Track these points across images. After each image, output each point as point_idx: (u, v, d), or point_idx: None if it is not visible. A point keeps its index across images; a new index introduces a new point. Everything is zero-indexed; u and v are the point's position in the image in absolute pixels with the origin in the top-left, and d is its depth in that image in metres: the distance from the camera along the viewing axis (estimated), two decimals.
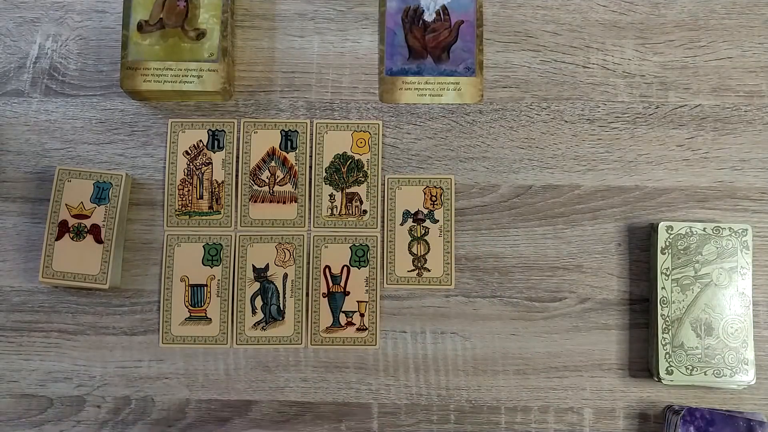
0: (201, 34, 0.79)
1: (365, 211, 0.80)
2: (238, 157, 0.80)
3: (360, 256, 0.79)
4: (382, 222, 0.80)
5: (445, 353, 0.78)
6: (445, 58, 0.81)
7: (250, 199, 0.80)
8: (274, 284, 0.78)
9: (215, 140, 0.80)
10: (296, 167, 0.80)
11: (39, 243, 0.77)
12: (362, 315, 0.78)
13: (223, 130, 0.80)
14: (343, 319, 0.78)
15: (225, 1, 0.79)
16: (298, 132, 0.81)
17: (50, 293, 0.79)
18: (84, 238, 0.76)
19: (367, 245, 0.79)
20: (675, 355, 0.75)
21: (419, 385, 0.78)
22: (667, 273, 0.76)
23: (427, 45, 0.81)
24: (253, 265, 0.79)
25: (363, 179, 0.80)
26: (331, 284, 0.79)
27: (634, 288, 0.79)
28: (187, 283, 0.78)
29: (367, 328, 0.78)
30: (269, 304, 0.78)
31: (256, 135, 0.80)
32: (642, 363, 0.78)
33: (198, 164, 0.80)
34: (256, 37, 0.82)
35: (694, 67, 0.81)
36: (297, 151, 0.80)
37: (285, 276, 0.79)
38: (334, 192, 0.80)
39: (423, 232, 0.79)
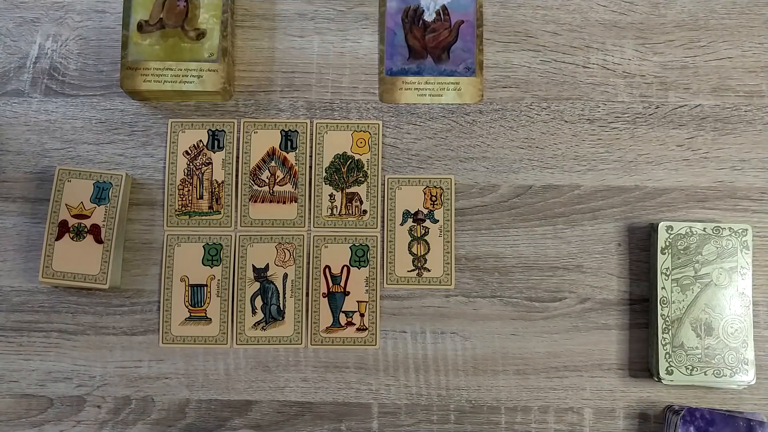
0: (201, 34, 0.79)
1: (365, 211, 0.80)
2: (238, 157, 0.80)
3: (360, 256, 0.79)
4: (382, 222, 0.80)
5: (445, 353, 0.78)
6: (445, 58, 0.81)
7: (250, 199, 0.80)
8: (274, 284, 0.78)
9: (215, 140, 0.80)
10: (296, 167, 0.80)
11: (39, 243, 0.77)
12: (362, 315, 0.78)
13: (223, 130, 0.80)
14: (343, 319, 0.78)
15: (225, 1, 0.79)
16: (298, 132, 0.81)
17: (50, 293, 0.79)
18: (84, 238, 0.76)
19: (367, 245, 0.79)
20: (675, 355, 0.75)
21: (419, 385, 0.78)
22: (667, 273, 0.76)
23: (427, 45, 0.81)
24: (253, 265, 0.79)
25: (363, 179, 0.80)
26: (331, 284, 0.79)
27: (634, 288, 0.79)
28: (187, 283, 0.78)
29: (367, 328, 0.78)
30: (269, 304, 0.78)
31: (256, 135, 0.80)
32: (642, 363, 0.78)
33: (198, 164, 0.80)
34: (256, 37, 0.82)
35: (694, 67, 0.81)
36: (297, 151, 0.80)
37: (285, 276, 0.79)
38: (334, 192, 0.80)
39: (423, 232, 0.79)
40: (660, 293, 0.75)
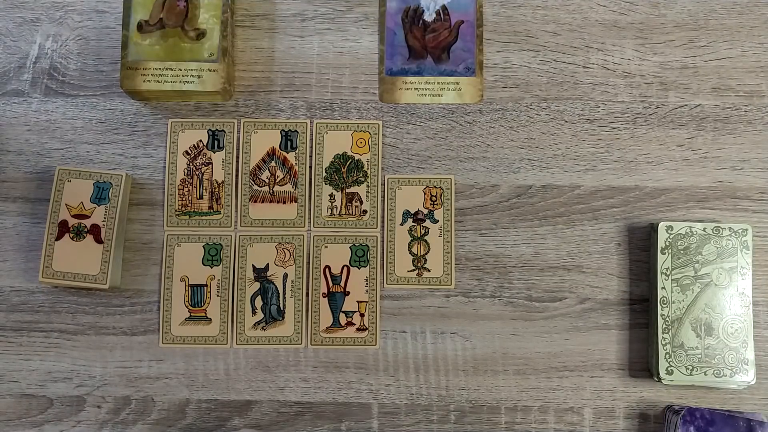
0: (201, 34, 0.79)
1: (365, 211, 0.80)
2: (238, 157, 0.80)
3: (360, 256, 0.79)
4: (382, 222, 0.80)
5: (445, 353, 0.78)
6: (445, 58, 0.81)
7: (250, 199, 0.80)
8: (274, 284, 0.78)
9: (215, 140, 0.80)
10: (296, 167, 0.80)
11: (39, 243, 0.77)
12: (362, 315, 0.78)
13: (223, 130, 0.80)
14: (343, 319, 0.78)
15: (225, 1, 0.79)
16: (298, 132, 0.81)
17: (50, 293, 0.79)
18: (84, 238, 0.76)
19: (367, 245, 0.79)
20: (675, 355, 0.75)
21: (419, 385, 0.78)
22: (667, 273, 0.76)
23: (427, 45, 0.81)
24: (253, 265, 0.79)
25: (363, 179, 0.80)
26: (331, 284, 0.79)
27: (634, 288, 0.79)
28: (187, 283, 0.78)
29: (367, 328, 0.78)
30: (269, 304, 0.78)
31: (256, 135, 0.80)
32: (642, 363, 0.78)
33: (198, 164, 0.80)
34: (256, 37, 0.82)
35: (694, 67, 0.81)
36: (297, 151, 0.80)
37: (285, 276, 0.79)
38: (334, 192, 0.80)
39: (423, 232, 0.79)
40: (660, 293, 0.75)
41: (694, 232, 0.76)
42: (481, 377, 0.78)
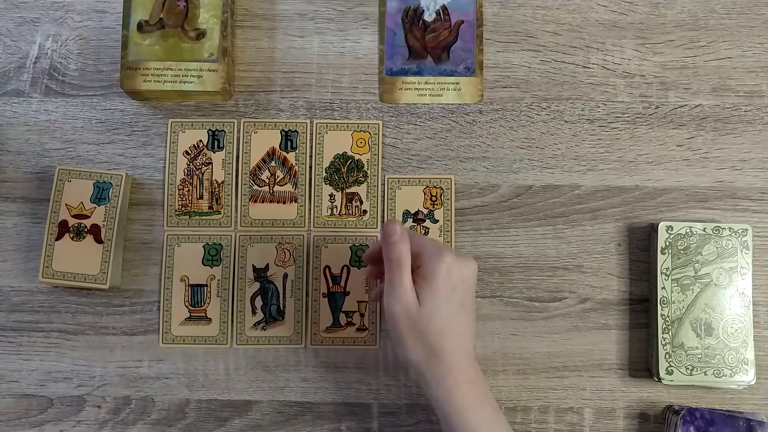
0: (201, 34, 0.79)
1: (365, 211, 0.80)
2: (238, 157, 0.80)
3: (360, 256, 0.79)
4: (382, 222, 0.80)
5: None
6: (445, 58, 0.81)
7: (250, 199, 0.80)
8: (274, 284, 0.78)
9: (215, 140, 0.80)
10: (296, 167, 0.80)
11: (39, 243, 0.77)
12: (362, 315, 0.78)
13: (223, 130, 0.80)
14: (343, 319, 0.78)
15: (225, 1, 0.79)
16: (298, 132, 0.81)
17: (50, 293, 0.79)
18: (84, 238, 0.76)
19: (367, 245, 0.79)
20: (675, 355, 0.75)
21: (419, 385, 0.78)
22: (667, 273, 0.76)
23: (427, 45, 0.81)
24: (253, 265, 0.79)
25: (363, 179, 0.80)
26: (331, 284, 0.79)
27: (634, 288, 0.79)
28: (187, 283, 0.78)
29: (367, 328, 0.78)
30: (269, 304, 0.78)
31: (256, 135, 0.80)
32: (642, 363, 0.78)
33: (198, 164, 0.80)
34: (256, 37, 0.82)
35: (694, 67, 0.81)
36: (297, 151, 0.80)
37: (285, 276, 0.79)
38: (334, 192, 0.80)
39: (423, 232, 0.79)
40: (660, 293, 0.75)
41: (694, 232, 0.76)
42: None
